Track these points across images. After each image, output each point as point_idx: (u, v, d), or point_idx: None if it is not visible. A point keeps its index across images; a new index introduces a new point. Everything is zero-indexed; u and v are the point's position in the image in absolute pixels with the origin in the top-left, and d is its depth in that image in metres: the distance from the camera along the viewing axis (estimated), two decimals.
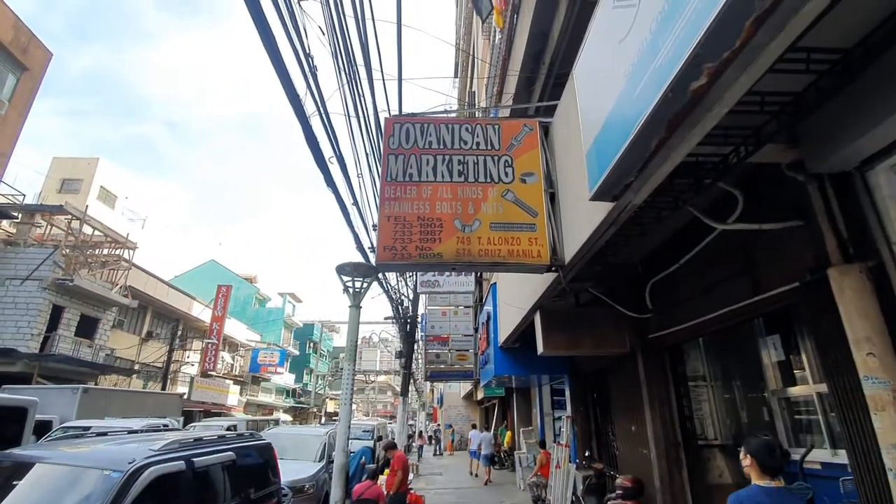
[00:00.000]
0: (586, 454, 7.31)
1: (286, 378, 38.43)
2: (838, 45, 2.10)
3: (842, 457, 3.45)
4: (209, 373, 26.33)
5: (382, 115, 5.40)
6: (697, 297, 4.47)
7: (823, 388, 3.72)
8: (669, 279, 4.85)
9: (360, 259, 7.00)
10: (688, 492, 4.64)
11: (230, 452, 4.59)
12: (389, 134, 4.62)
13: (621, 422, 6.03)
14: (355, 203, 6.92)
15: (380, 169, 7.01)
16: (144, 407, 11.68)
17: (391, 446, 7.34)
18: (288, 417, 38.51)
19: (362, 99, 5.32)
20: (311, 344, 46.16)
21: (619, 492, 4.83)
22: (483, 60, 9.52)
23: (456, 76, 21.62)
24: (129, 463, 3.31)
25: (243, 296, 37.78)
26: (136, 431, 7.03)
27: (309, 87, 4.17)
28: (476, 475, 13.99)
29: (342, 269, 6.11)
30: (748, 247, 3.82)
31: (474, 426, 17.57)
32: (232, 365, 30.76)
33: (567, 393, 8.68)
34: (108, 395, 10.79)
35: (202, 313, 26.34)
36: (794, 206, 3.23)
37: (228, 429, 9.76)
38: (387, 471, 7.39)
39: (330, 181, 4.64)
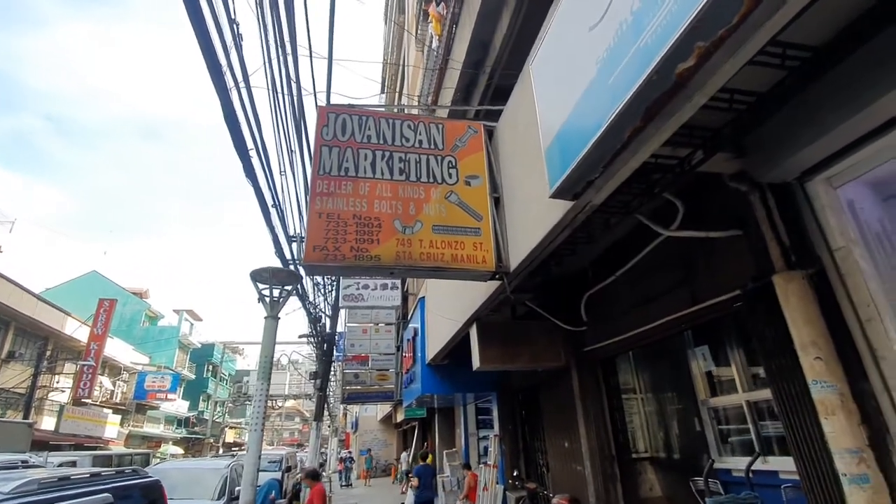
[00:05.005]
0: (514, 474, 7.12)
1: (179, 405, 34.42)
2: (809, 42, 2.12)
3: (771, 464, 3.54)
4: (83, 400, 22.71)
5: (307, 99, 4.92)
6: (633, 309, 4.49)
7: (752, 396, 3.85)
8: (605, 291, 4.86)
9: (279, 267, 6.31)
10: None
11: (107, 494, 3.81)
12: (323, 124, 4.17)
13: (554, 438, 5.92)
14: (276, 205, 6.27)
15: (306, 169, 6.43)
16: None
17: (313, 476, 6.57)
18: (178, 450, 34.43)
19: (288, 80, 4.81)
20: (211, 367, 41.98)
21: None
22: (417, 66, 9.37)
23: (382, 92, 21.35)
24: None
25: (130, 312, 33.56)
26: None
27: (229, 59, 3.63)
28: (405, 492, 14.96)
29: (258, 276, 5.41)
30: (686, 257, 3.89)
31: (405, 450, 18.47)
32: (112, 391, 26.87)
33: (495, 412, 8.49)
34: None
35: (78, 331, 22.77)
36: (732, 215, 3.31)
37: (61, 465, 8.17)
38: None
39: (250, 171, 4.06)
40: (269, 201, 5.78)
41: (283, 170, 5.92)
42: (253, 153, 4.45)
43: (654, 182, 3.22)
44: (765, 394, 3.63)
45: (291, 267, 7.09)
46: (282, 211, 6.20)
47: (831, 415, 2.42)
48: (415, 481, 8.17)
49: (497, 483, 7.34)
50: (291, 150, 6.00)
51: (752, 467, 3.59)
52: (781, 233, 2.91)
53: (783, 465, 3.31)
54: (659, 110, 2.12)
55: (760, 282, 2.97)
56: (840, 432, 2.37)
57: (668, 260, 4.03)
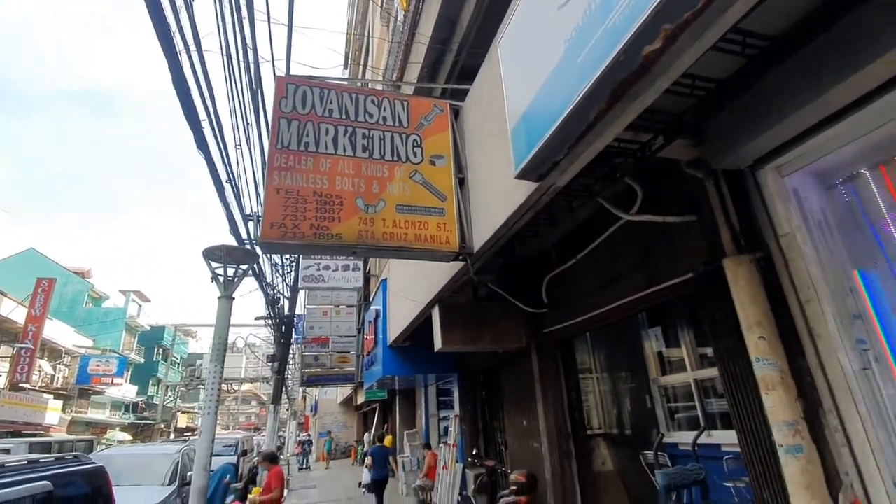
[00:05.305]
0: (474, 452, 7.26)
1: (126, 390, 32.94)
2: (768, 31, 2.17)
3: (715, 437, 3.75)
4: (21, 385, 21.35)
5: (265, 68, 4.68)
6: (592, 291, 4.59)
7: (699, 374, 4.05)
8: (565, 274, 4.94)
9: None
10: (576, 481, 4.75)
11: (45, 482, 3.65)
12: (282, 95, 3.98)
13: (513, 417, 6.05)
14: (231, 181, 5.99)
15: (263, 145, 6.16)
16: None
17: (270, 458, 6.45)
18: (126, 436, 33.08)
19: (245, 47, 4.55)
20: (161, 350, 40.28)
21: (514, 487, 4.77)
22: (382, 39, 9.10)
23: (346, 66, 20.68)
24: None
25: (72, 292, 31.60)
26: None
27: (178, 20, 3.38)
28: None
29: (211, 254, 5.17)
30: (644, 241, 4.00)
31: (366, 431, 18.23)
32: (53, 376, 25.38)
33: (455, 393, 8.60)
34: None
35: (14, 312, 21.28)
36: (689, 201, 3.42)
37: None
38: (256, 488, 6.49)
39: (202, 142, 3.83)
40: (224, 177, 5.51)
41: (238, 144, 5.64)
42: (205, 124, 4.20)
43: (616, 166, 3.27)
44: (711, 372, 3.83)
45: (248, 246, 6.83)
46: (237, 187, 5.93)
47: (771, 390, 2.56)
48: (369, 460, 9.49)
49: (457, 461, 7.47)
50: (248, 124, 5.71)
51: (698, 441, 3.80)
52: (733, 218, 3.03)
53: (726, 438, 3.51)
54: (624, 92, 2.13)
55: (712, 265, 3.09)
56: (779, 406, 2.52)
57: (627, 244, 4.13)
